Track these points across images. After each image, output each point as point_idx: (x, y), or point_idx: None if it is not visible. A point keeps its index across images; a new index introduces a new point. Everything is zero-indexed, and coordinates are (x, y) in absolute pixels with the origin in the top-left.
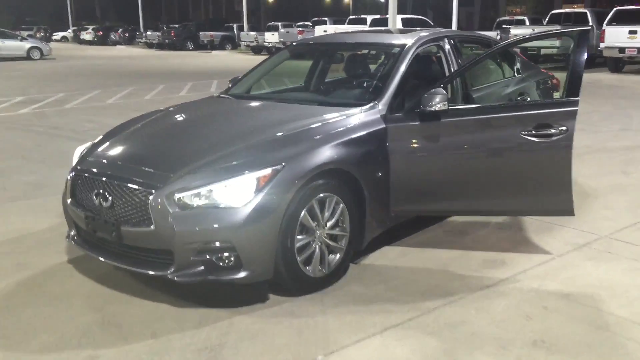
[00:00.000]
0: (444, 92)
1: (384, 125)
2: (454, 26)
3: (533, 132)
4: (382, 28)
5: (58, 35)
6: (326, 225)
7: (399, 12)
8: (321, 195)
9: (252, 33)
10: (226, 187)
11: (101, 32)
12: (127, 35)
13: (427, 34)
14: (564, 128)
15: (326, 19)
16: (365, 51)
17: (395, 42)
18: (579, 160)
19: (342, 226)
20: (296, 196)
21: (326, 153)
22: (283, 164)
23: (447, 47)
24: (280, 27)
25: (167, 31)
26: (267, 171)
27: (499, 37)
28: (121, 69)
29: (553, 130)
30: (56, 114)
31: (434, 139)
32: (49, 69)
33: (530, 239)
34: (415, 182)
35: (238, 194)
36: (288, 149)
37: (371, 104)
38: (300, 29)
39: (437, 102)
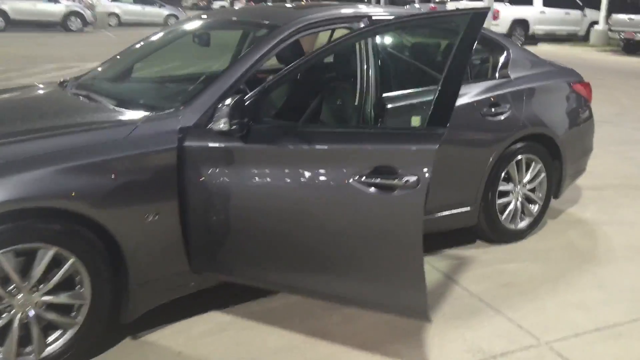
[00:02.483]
0: (231, 104)
1: (175, 145)
2: (604, 8)
3: (366, 179)
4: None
5: (217, 4)
6: (37, 289)
7: None
8: (19, 246)
9: None
10: None
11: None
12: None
13: (324, 12)
14: (413, 179)
15: None
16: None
17: (266, 21)
18: (629, 196)
19: (76, 292)
20: None
21: (34, 183)
22: None
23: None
24: (416, 2)
25: None
26: None
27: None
28: None
29: (396, 181)
30: None
31: (237, 171)
32: None
33: (422, 331)
34: (217, 234)
35: None
36: None
37: (168, 111)
38: (433, 4)
39: (220, 119)
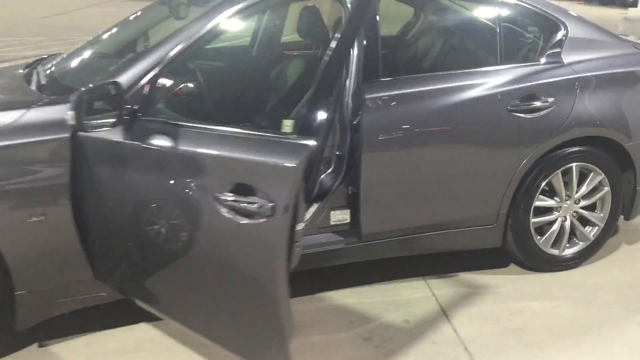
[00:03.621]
0: (83, 93)
1: (68, 134)
2: None
3: (224, 198)
4: None
5: None
6: None
7: None
8: None
9: None
10: None
11: None
12: None
13: None
14: (268, 205)
15: None
16: None
17: None
18: None
19: None
20: None
21: None
22: None
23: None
24: None
25: None
26: None
27: None
28: None
29: (246, 205)
30: None
31: (118, 170)
32: None
33: None
34: (105, 240)
35: None
36: None
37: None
38: None
39: (69, 109)
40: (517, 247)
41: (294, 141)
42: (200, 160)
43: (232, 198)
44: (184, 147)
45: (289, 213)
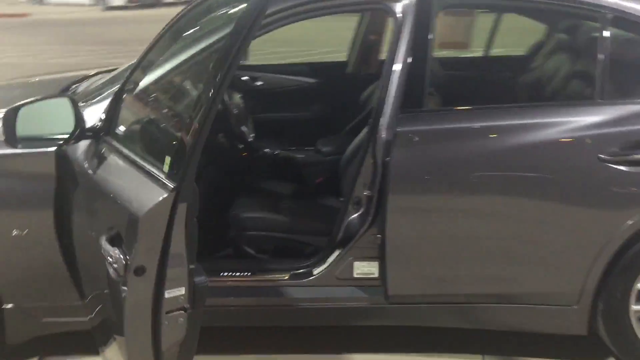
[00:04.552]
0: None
1: (54, 148)
2: None
3: (102, 246)
4: None
5: None
6: None
7: None
8: None
9: None
10: None
11: None
12: None
13: None
14: (121, 262)
15: None
16: None
17: None
18: None
19: None
20: None
21: None
22: None
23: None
24: None
25: None
26: None
27: None
28: None
29: (111, 258)
30: None
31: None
32: None
33: None
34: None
35: None
36: None
37: None
38: None
39: None
40: (609, 338)
41: (162, 180)
42: (98, 194)
43: (103, 246)
44: (95, 176)
45: (148, 277)
